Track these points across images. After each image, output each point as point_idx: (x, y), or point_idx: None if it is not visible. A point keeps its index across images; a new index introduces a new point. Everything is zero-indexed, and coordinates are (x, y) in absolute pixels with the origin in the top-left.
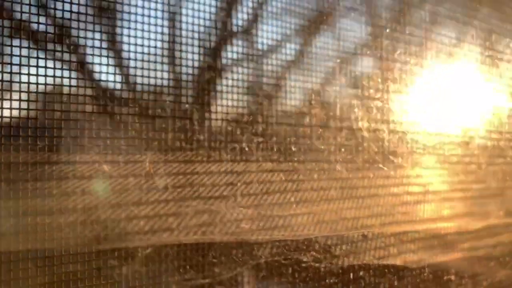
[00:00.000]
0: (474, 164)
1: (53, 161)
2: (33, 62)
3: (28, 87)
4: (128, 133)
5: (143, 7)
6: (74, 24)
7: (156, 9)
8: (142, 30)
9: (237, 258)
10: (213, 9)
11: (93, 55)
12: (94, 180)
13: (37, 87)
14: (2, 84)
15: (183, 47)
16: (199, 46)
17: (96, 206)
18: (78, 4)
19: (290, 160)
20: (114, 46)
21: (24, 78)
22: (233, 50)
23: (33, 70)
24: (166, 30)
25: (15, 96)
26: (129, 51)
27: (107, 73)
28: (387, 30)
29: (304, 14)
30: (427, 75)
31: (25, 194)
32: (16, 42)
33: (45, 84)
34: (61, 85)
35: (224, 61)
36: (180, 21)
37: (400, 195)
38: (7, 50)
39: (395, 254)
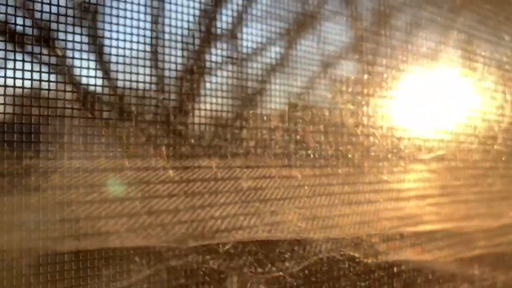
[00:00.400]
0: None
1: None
2: (10, 64)
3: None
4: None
5: (125, 9)
6: (54, 25)
7: (139, 12)
8: (125, 33)
9: (301, 253)
10: (197, 12)
11: (80, 58)
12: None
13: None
14: None
15: (166, 50)
16: (182, 49)
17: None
18: (58, 5)
19: (328, 165)
20: (97, 48)
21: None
22: (217, 53)
23: (9, 73)
24: (148, 33)
25: None
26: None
27: (94, 76)
28: (370, 34)
29: (287, 18)
30: (410, 78)
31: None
32: None
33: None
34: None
35: (207, 63)
36: (163, 23)
37: (426, 198)
38: None
39: (428, 250)
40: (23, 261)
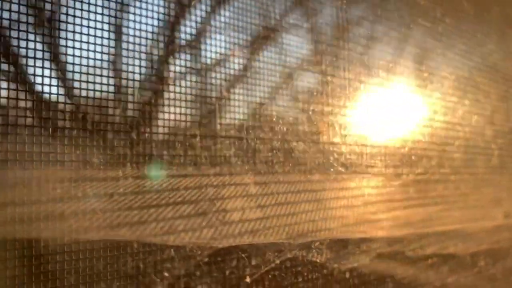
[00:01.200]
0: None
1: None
2: None
3: None
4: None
5: (87, 19)
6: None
7: (102, 22)
8: (88, 42)
9: (364, 249)
10: (159, 22)
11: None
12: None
13: None
14: None
15: (130, 60)
16: (142, 59)
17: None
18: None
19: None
20: (56, 56)
21: None
22: (177, 63)
23: None
24: (111, 43)
25: None
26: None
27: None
28: (329, 47)
29: (249, 30)
30: (368, 90)
31: None
32: None
33: None
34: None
35: (169, 73)
36: (127, 34)
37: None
38: None
39: (451, 245)
40: None
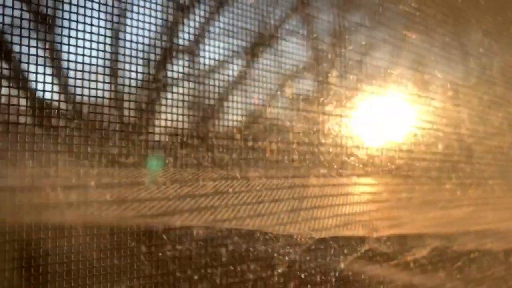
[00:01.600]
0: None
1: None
2: None
3: None
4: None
5: (83, 22)
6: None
7: (98, 26)
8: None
9: (420, 244)
10: (157, 27)
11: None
12: None
13: None
14: None
15: (126, 65)
16: (140, 64)
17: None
18: (21, 18)
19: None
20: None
21: None
22: (174, 69)
23: None
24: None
25: None
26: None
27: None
28: (326, 53)
29: (247, 36)
30: (364, 96)
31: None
32: None
33: None
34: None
35: (166, 78)
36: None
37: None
38: None
39: (488, 243)
40: None
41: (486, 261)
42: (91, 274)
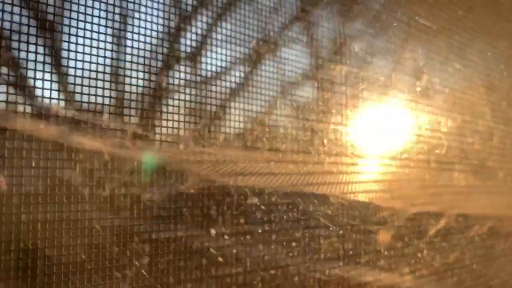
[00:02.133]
0: None
1: None
2: None
3: None
4: None
5: (84, 29)
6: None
7: (99, 32)
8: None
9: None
10: (160, 34)
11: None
12: None
13: None
14: None
15: (127, 71)
16: (142, 71)
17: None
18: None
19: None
20: (57, 65)
21: None
22: (175, 76)
23: None
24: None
25: None
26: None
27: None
28: (327, 61)
29: (248, 43)
30: (365, 103)
31: None
32: None
33: None
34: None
35: (168, 85)
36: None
37: None
38: None
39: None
40: None
41: None
42: None
